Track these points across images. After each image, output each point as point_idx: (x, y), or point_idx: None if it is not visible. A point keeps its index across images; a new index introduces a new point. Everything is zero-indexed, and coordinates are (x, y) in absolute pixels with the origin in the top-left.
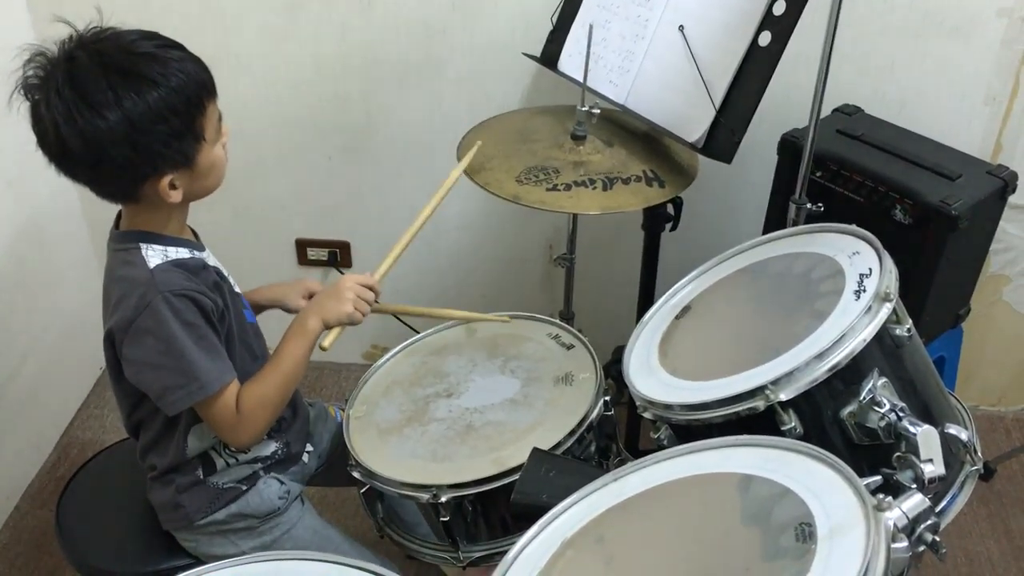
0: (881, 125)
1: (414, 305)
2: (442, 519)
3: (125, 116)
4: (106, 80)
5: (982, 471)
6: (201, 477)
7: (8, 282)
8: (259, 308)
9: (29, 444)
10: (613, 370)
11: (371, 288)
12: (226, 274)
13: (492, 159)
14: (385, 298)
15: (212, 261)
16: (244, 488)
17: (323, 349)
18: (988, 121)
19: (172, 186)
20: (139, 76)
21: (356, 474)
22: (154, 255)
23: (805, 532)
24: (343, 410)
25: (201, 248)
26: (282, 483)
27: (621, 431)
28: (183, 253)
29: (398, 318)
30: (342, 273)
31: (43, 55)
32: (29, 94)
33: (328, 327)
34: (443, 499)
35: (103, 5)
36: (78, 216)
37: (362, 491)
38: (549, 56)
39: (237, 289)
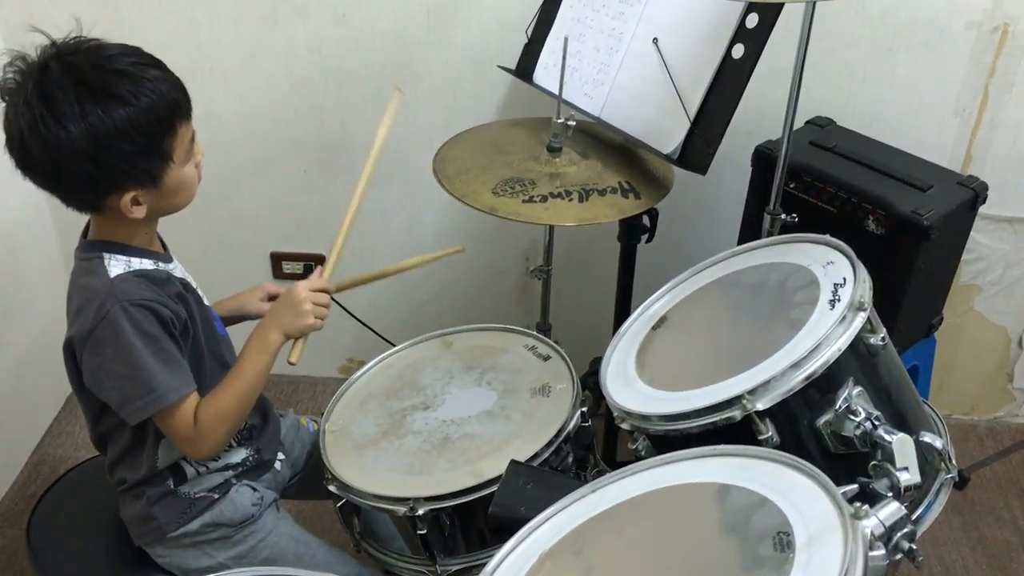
0: (853, 137)
1: (368, 271)
2: (419, 532)
3: (88, 131)
4: (74, 93)
5: (957, 479)
6: (172, 487)
7: None
8: (223, 321)
9: None
10: (590, 381)
11: (324, 290)
12: (194, 286)
13: (468, 171)
14: (361, 310)
15: (179, 272)
16: (216, 496)
17: (292, 364)
18: (958, 132)
19: (135, 202)
20: (108, 93)
21: (332, 488)
22: (116, 265)
23: (783, 541)
24: (316, 423)
25: (168, 260)
26: (255, 490)
27: (598, 442)
28: (147, 264)
29: (375, 332)
30: None
31: (23, 59)
32: (4, 97)
33: (290, 339)
34: (420, 512)
35: (78, 16)
36: (49, 227)
37: (338, 505)
38: (524, 69)
39: (207, 302)
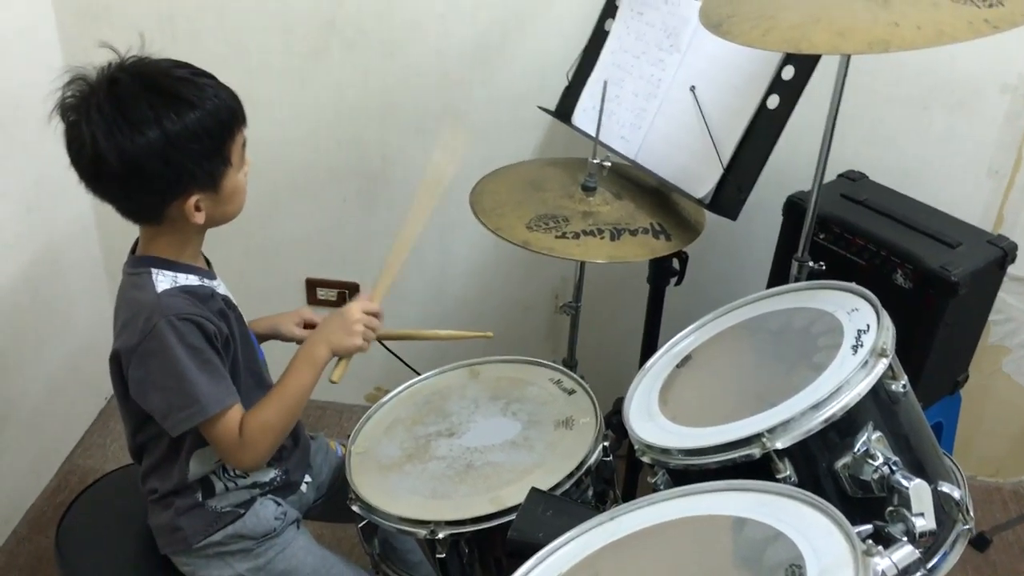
0: (885, 192)
1: (403, 328)
2: (438, 556)
3: (163, 134)
4: (146, 100)
5: (974, 532)
6: (200, 500)
7: (21, 306)
8: (256, 338)
9: (30, 468)
10: (613, 420)
11: (376, 314)
12: (235, 303)
13: (504, 205)
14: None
15: (222, 290)
16: (242, 512)
17: (333, 382)
18: (990, 193)
19: (197, 207)
20: (178, 98)
21: (355, 508)
22: (163, 280)
23: (795, 574)
24: (344, 446)
25: (212, 277)
26: (279, 504)
27: (619, 482)
28: (192, 280)
29: (402, 360)
30: None
31: (83, 79)
32: (66, 115)
33: (337, 356)
34: (440, 535)
35: (131, 41)
36: (94, 244)
37: (360, 525)
38: (564, 110)
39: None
